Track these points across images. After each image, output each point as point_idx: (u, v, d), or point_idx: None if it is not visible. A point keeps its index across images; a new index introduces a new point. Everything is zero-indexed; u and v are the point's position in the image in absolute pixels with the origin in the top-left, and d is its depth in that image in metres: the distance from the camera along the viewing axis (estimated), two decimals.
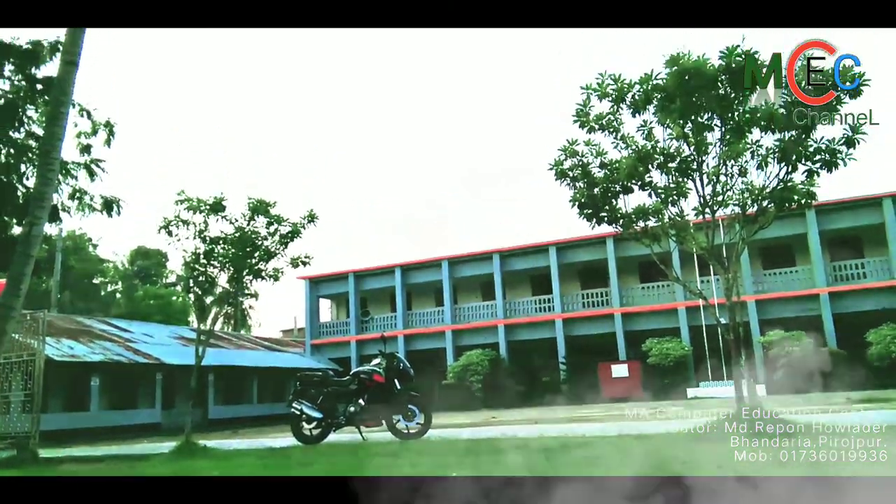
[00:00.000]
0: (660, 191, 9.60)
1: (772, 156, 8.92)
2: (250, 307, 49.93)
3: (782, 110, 8.45)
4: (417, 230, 68.25)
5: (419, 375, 12.70)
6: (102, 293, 47.19)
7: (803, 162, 8.83)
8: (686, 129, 9.02)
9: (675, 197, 9.56)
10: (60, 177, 12.29)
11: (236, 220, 14.82)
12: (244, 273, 14.99)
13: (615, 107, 9.53)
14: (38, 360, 11.67)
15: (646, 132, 9.52)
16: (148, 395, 25.01)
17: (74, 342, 23.81)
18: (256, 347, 34.77)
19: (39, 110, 12.73)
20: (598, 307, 28.00)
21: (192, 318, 43.13)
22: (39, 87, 12.65)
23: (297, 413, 10.73)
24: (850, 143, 8.55)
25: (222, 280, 15.38)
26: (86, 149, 13.03)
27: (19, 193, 12.86)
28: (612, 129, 9.63)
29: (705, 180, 9.33)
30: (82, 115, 12.78)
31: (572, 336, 27.82)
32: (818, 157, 8.75)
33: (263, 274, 15.28)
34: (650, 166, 9.51)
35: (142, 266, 48.78)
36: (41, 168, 8.69)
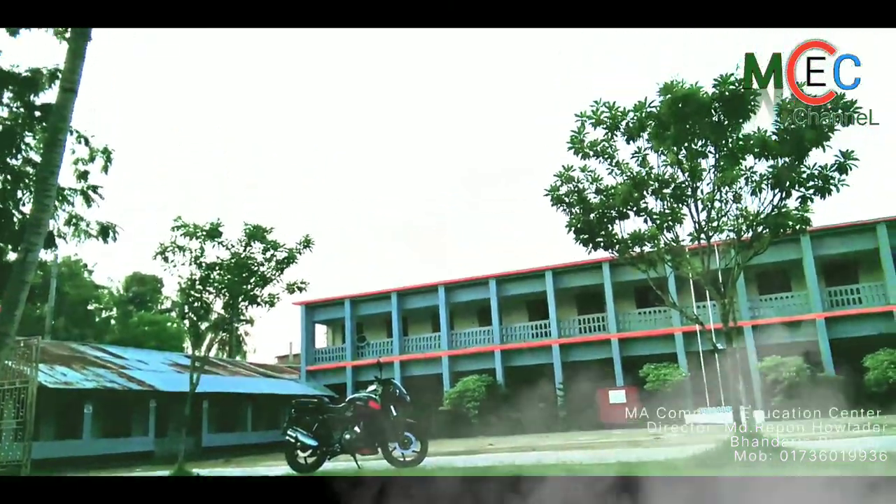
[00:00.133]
0: (655, 216, 9.66)
1: (766, 182, 9.00)
2: (245, 333, 49.71)
3: (775, 137, 8.54)
4: (416, 236, 68.18)
5: (415, 402, 12.61)
6: (97, 319, 46.92)
7: (797, 188, 8.91)
8: (680, 156, 9.10)
9: (670, 223, 9.61)
10: (57, 203, 12.30)
11: (232, 246, 14.88)
12: (240, 299, 14.97)
13: (609, 134, 9.62)
14: (31, 388, 11.57)
15: (640, 159, 9.61)
16: (141, 423, 24.74)
17: (68, 369, 23.61)
18: (251, 374, 34.52)
19: (37, 137, 12.77)
20: (594, 332, 27.93)
21: (187, 344, 42.93)
22: (38, 113, 12.70)
23: (292, 441, 10.62)
24: (842, 169, 8.64)
25: (218, 306, 15.37)
26: (83, 175, 13.05)
27: (15, 219, 12.84)
28: (606, 156, 9.72)
29: (700, 206, 9.40)
30: (80, 142, 12.82)
31: (569, 362, 27.70)
32: (811, 183, 8.83)
33: (259, 300, 15.27)
34: (645, 192, 9.58)
35: (137, 292, 48.59)
36: (38, 194, 8.70)
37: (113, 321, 47.17)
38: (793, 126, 8.14)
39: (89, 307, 46.54)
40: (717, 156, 9.09)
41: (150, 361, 29.58)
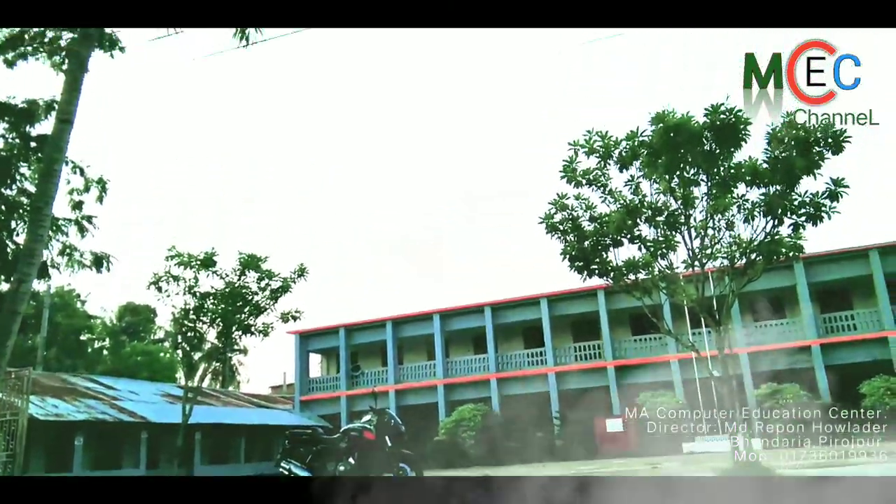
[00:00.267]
0: (649, 244, 9.70)
1: (758, 209, 9.07)
2: (239, 363, 49.31)
3: (766, 165, 8.63)
4: (413, 251, 67.95)
5: (411, 432, 12.48)
6: (89, 349, 46.50)
7: (789, 215, 8.98)
8: (673, 184, 9.18)
9: (664, 250, 9.65)
10: (51, 233, 12.27)
11: (227, 275, 14.86)
12: (234, 328, 14.92)
13: (602, 162, 9.71)
14: (22, 420, 11.44)
15: (633, 187, 9.69)
16: (132, 455, 24.39)
17: (59, 400, 23.33)
18: (245, 404, 34.17)
19: (32, 167, 12.79)
20: (590, 360, 27.82)
21: (180, 374, 42.52)
22: (33, 144, 12.74)
23: (286, 472, 10.48)
24: (833, 196, 8.71)
25: (211, 335, 15.30)
26: (77, 205, 13.05)
27: (9, 250, 12.80)
28: (599, 184, 9.80)
29: (693, 233, 9.45)
30: (75, 172, 12.86)
31: (566, 390, 27.53)
32: (803, 210, 8.91)
33: (253, 329, 15.21)
34: (639, 220, 9.64)
35: (130, 322, 48.23)
36: (32, 225, 8.70)
37: (105, 351, 46.75)
38: (783, 154, 8.23)
39: (82, 337, 46.15)
40: (709, 184, 9.17)
41: (141, 392, 29.27)
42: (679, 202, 9.35)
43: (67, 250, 13.26)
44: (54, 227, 12.72)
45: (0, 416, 11.59)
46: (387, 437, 10.60)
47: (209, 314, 14.46)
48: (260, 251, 16.44)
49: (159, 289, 14.64)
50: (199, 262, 14.58)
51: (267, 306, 14.98)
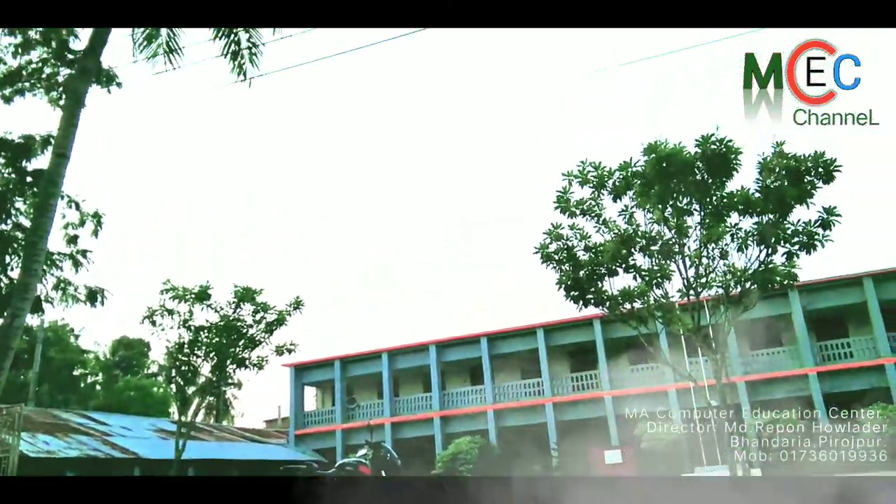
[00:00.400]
0: (644, 273, 9.74)
1: (751, 238, 9.13)
2: (233, 397, 48.80)
3: (758, 194, 8.71)
4: (409, 281, 67.67)
5: (407, 465, 12.33)
6: (82, 384, 46.00)
7: (782, 244, 9.04)
8: (666, 214, 9.24)
9: (659, 279, 9.69)
10: (45, 267, 12.23)
11: (221, 308, 14.80)
12: (228, 362, 14.81)
13: (596, 192, 9.79)
14: (13, 457, 11.27)
15: (627, 216, 9.76)
16: None
17: (50, 437, 23.00)
18: (238, 439, 33.74)
19: (28, 202, 12.80)
20: (588, 390, 27.64)
21: (173, 408, 42.04)
22: (29, 179, 12.77)
23: None
24: (825, 225, 8.79)
25: (205, 369, 15.17)
26: (72, 239, 13.04)
27: (2, 284, 12.74)
28: (593, 214, 9.86)
29: (688, 262, 9.50)
30: (70, 207, 12.87)
31: (563, 421, 27.29)
32: (796, 239, 8.97)
33: (248, 362, 15.10)
34: (633, 249, 9.69)
35: (123, 356, 47.79)
36: (26, 259, 8.68)
37: (98, 386, 46.27)
38: (775, 184, 8.31)
39: (75, 372, 45.69)
40: (702, 213, 9.25)
41: (134, 428, 28.88)
42: (673, 231, 9.42)
43: (62, 284, 13.22)
44: (49, 262, 12.69)
45: None
46: (383, 471, 10.47)
47: (203, 347, 14.37)
48: (255, 284, 16.49)
49: (153, 322, 14.56)
50: (193, 296, 14.52)
51: (262, 339, 14.90)
